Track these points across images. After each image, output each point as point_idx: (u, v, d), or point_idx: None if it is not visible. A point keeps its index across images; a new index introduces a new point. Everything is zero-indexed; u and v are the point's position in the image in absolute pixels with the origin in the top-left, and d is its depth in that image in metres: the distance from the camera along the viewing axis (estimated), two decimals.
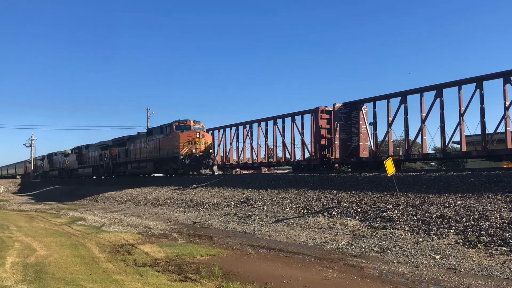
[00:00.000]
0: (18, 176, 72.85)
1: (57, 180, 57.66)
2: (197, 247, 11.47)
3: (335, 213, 13.49)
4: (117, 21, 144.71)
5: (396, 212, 12.04)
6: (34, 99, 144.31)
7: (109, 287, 7.24)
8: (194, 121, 30.28)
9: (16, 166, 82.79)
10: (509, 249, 8.62)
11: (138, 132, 37.45)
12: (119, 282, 7.56)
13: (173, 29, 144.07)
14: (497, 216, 9.96)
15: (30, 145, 73.01)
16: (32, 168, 70.86)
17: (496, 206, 10.53)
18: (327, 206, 14.26)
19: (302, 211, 14.67)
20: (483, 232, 9.51)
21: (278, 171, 34.88)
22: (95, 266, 9.01)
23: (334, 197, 14.90)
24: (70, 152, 54.34)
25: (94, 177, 47.28)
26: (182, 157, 28.54)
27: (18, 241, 12.67)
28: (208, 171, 29.40)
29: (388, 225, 11.43)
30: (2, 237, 13.57)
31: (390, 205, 12.64)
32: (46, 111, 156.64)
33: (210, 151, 30.26)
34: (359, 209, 13.12)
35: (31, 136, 73.48)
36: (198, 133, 29.41)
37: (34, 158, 71.91)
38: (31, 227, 16.84)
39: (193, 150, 28.96)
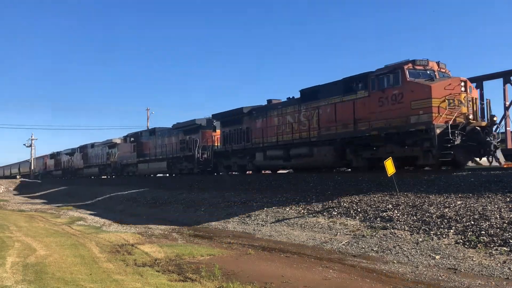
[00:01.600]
0: (18, 176, 72.52)
1: (90, 181, 44.38)
2: (197, 247, 11.48)
3: (335, 213, 13.49)
4: (117, 21, 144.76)
5: (396, 212, 12.04)
6: (34, 99, 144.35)
7: (109, 287, 7.25)
8: (438, 63, 15.65)
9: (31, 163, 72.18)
10: (509, 249, 8.62)
11: (270, 100, 23.31)
12: (119, 282, 7.57)
13: (172, 28, 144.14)
14: (497, 216, 9.95)
15: (30, 145, 72.93)
16: (33, 167, 70.49)
17: (496, 206, 10.52)
18: (327, 206, 14.26)
19: (302, 211, 14.67)
20: (483, 232, 9.50)
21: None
22: (95, 266, 9.02)
23: (334, 197, 14.90)
24: (119, 141, 40.85)
25: (174, 175, 32.19)
26: (441, 130, 13.81)
27: (18, 241, 12.69)
28: (490, 160, 14.31)
29: (388, 225, 11.43)
30: (2, 237, 13.58)
31: (390, 205, 12.64)
32: (46, 111, 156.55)
33: (494, 118, 15.08)
34: (359, 209, 13.12)
35: (31, 136, 73.37)
36: (463, 83, 14.67)
37: (34, 158, 71.79)
38: (31, 227, 16.85)
39: (470, 117, 14.48)
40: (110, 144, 42.48)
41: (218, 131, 27.37)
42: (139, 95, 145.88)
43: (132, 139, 37.25)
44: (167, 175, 33.74)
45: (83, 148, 50.38)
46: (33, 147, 72.47)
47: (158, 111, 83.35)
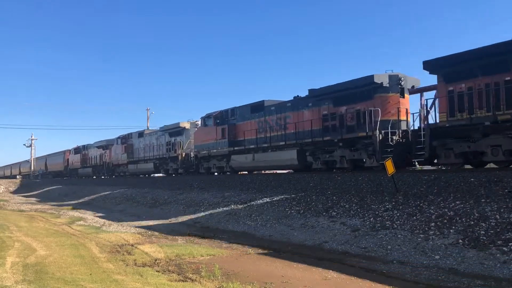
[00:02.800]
0: (18, 176, 72.44)
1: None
2: (197, 247, 11.49)
3: (335, 213, 13.49)
4: (116, 22, 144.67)
5: (396, 212, 12.04)
6: (34, 99, 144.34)
7: (109, 287, 7.25)
8: None
9: (47, 160, 63.55)
10: (509, 249, 8.62)
11: None
12: (119, 282, 7.57)
13: (172, 28, 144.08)
14: (497, 216, 9.95)
15: (30, 145, 72.98)
16: (33, 168, 70.31)
17: (496, 206, 10.52)
18: (327, 206, 14.26)
19: (302, 211, 14.67)
20: (483, 232, 9.50)
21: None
22: (95, 266, 9.02)
23: (334, 197, 14.90)
24: (189, 125, 30.98)
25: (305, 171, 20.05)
26: None
27: (18, 241, 12.69)
28: None
29: (388, 225, 11.43)
30: (2, 237, 13.58)
31: (390, 205, 12.64)
32: (46, 111, 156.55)
33: None
34: (359, 209, 13.12)
35: (31, 136, 73.41)
36: None
37: (34, 158, 71.74)
38: (31, 227, 16.85)
39: None
40: (174, 130, 31.39)
41: (407, 95, 17.62)
42: (139, 95, 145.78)
43: (217, 121, 25.91)
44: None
45: (125, 139, 39.46)
46: (33, 147, 72.53)
47: (158, 111, 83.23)
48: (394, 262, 9.20)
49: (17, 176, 72.70)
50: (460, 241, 9.49)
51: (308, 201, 15.34)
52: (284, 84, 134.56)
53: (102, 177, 44.86)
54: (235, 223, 15.65)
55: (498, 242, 8.96)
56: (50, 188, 46.32)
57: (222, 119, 25.91)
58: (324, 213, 13.81)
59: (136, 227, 16.33)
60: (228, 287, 7.22)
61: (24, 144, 75.57)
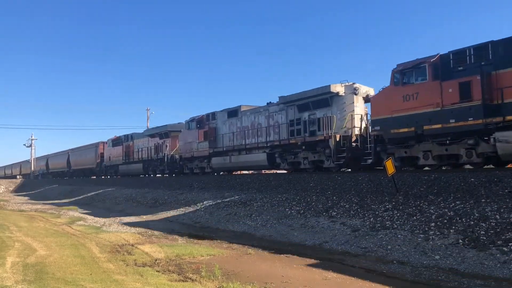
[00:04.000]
0: (18, 176, 72.39)
1: None
2: (197, 247, 11.49)
3: (335, 213, 13.49)
4: (115, 21, 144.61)
5: (396, 212, 12.05)
6: (34, 99, 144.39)
7: (109, 287, 7.25)
8: None
9: (69, 156, 52.41)
10: (509, 249, 8.62)
11: None
12: (119, 282, 7.58)
13: (172, 28, 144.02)
14: (497, 216, 9.95)
15: (30, 145, 73.00)
16: (33, 168, 70.19)
17: (496, 206, 10.52)
18: (327, 206, 14.26)
19: (302, 211, 14.67)
20: (483, 232, 9.51)
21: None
22: (95, 266, 9.02)
23: (334, 197, 14.90)
24: (343, 89, 18.40)
25: None
26: None
27: (18, 241, 12.69)
28: None
29: (388, 225, 11.43)
30: (2, 237, 13.58)
31: (390, 205, 12.64)
32: (46, 111, 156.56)
33: None
34: (359, 209, 13.12)
35: (31, 136, 73.41)
36: None
37: (34, 158, 71.70)
38: (31, 227, 16.85)
39: None
40: (313, 100, 19.52)
41: None
42: (139, 95, 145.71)
43: (437, 72, 14.30)
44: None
45: (202, 121, 27.32)
46: (33, 147, 72.52)
47: (157, 111, 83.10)
48: (394, 262, 9.21)
49: (17, 176, 72.73)
50: (460, 241, 9.50)
51: (308, 201, 15.34)
52: (285, 84, 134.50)
53: (159, 175, 33.80)
54: (235, 223, 15.65)
55: (498, 242, 8.96)
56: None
57: (448, 70, 14.22)
58: (324, 213, 13.81)
59: (136, 227, 16.33)
60: (228, 287, 7.23)
61: (24, 144, 75.63)
